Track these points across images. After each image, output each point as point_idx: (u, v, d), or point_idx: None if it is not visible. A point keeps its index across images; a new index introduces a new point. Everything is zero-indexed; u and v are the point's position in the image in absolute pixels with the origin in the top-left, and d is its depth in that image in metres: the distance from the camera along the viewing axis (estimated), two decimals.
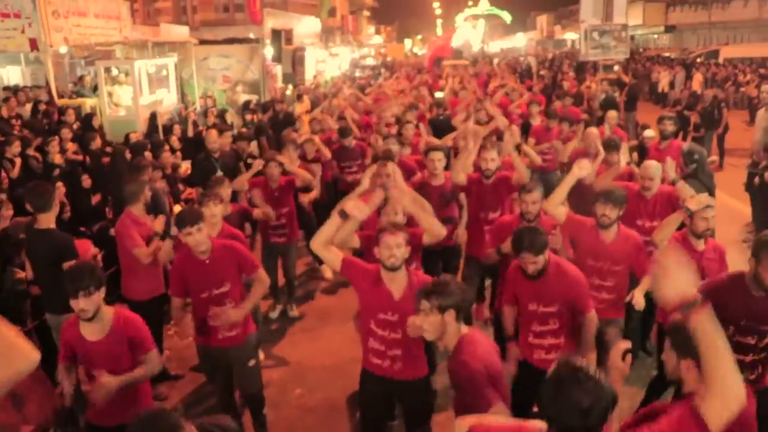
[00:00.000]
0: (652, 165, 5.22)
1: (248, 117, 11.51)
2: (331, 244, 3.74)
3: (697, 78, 22.53)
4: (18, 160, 7.26)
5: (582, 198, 6.05)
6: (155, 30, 22.32)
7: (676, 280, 2.07)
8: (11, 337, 2.08)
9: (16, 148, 7.40)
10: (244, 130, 10.03)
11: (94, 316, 3.43)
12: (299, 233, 6.95)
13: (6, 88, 11.94)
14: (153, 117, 11.17)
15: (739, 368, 2.07)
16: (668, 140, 6.92)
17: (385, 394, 3.84)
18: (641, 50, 45.52)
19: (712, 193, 5.46)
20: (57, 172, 7.28)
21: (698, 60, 30.15)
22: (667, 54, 35.45)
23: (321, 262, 7.45)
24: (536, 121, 9.24)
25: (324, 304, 7.09)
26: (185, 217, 4.11)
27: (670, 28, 52.98)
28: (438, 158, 5.63)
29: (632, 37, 53.12)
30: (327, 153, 7.70)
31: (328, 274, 7.50)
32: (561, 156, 7.46)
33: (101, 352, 3.48)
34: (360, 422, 4.10)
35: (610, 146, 6.22)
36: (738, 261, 4.04)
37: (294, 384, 5.41)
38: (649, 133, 9.76)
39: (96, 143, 8.13)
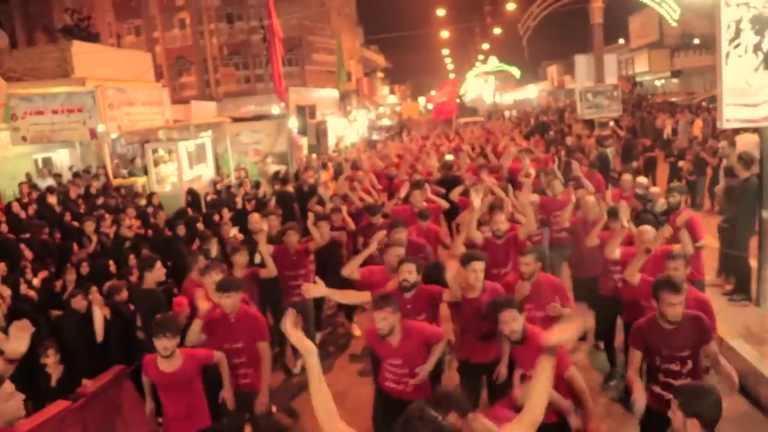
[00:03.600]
0: (648, 230, 5.52)
1: (277, 187, 12.75)
2: None
3: (698, 124, 23.58)
4: (94, 237, 8.62)
5: (586, 261, 6.76)
6: (186, 108, 24.32)
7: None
8: None
9: (90, 226, 8.77)
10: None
11: (171, 354, 4.68)
12: None
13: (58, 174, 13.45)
14: (191, 193, 12.42)
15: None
16: (677, 209, 6.93)
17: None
18: (649, 96, 46.78)
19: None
20: (128, 244, 8.61)
21: (702, 104, 31.08)
22: (672, 99, 36.50)
23: (351, 320, 8.41)
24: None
25: (346, 363, 7.66)
26: (229, 284, 5.16)
27: (676, 73, 54.43)
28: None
29: (640, 84, 54.83)
30: (351, 225, 8.32)
31: (357, 332, 8.26)
32: (561, 220, 7.41)
33: (174, 380, 4.74)
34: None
35: (612, 214, 6.18)
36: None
37: None
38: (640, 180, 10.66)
39: (160, 219, 9.42)
